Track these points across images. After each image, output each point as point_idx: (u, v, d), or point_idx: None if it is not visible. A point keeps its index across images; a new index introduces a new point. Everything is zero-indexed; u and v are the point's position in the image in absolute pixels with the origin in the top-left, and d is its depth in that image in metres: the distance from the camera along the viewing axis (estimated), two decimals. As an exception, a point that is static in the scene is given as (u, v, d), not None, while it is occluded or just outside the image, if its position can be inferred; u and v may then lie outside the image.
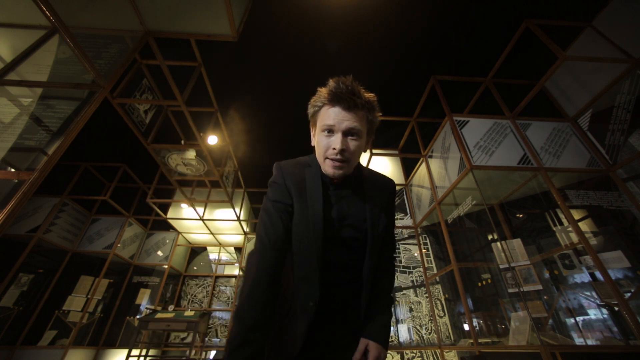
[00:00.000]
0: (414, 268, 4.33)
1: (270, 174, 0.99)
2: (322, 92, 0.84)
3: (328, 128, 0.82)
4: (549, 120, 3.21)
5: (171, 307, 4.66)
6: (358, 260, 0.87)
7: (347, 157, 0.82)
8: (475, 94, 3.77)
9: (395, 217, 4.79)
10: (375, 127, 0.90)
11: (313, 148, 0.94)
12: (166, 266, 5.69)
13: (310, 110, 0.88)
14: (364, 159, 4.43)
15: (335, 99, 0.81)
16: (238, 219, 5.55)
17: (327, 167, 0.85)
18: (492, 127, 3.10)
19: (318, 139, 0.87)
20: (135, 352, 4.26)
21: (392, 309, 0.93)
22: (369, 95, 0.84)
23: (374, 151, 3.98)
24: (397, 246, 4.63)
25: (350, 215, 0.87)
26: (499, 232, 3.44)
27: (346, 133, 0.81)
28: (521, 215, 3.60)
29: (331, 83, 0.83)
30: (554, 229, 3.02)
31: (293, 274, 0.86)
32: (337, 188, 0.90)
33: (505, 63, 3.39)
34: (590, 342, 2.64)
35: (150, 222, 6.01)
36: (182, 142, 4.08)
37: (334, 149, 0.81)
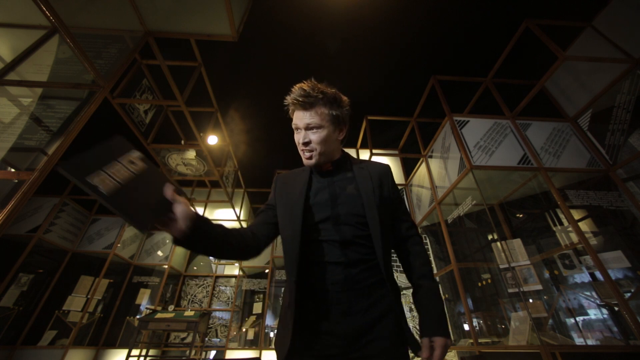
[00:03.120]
0: (414, 268, 4.32)
1: (270, 174, 1.05)
2: (287, 100, 0.99)
3: (295, 127, 0.99)
4: (549, 120, 3.20)
5: (171, 307, 4.66)
6: (365, 236, 0.89)
7: (312, 147, 0.96)
8: (475, 94, 3.77)
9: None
10: (343, 116, 1.01)
11: None
12: (166, 266, 5.69)
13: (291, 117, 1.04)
14: (363, 158, 4.42)
15: (295, 104, 0.96)
16: (238, 219, 5.55)
17: (303, 159, 1.00)
18: (492, 127, 3.10)
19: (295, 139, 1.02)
20: (135, 352, 4.26)
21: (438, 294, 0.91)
22: (329, 91, 0.97)
23: (374, 151, 3.98)
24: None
25: (343, 194, 0.96)
26: (499, 232, 3.43)
27: (307, 128, 0.95)
28: (521, 215, 3.60)
29: (292, 90, 0.97)
30: (554, 229, 3.02)
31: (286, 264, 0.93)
32: (328, 175, 1.01)
33: (505, 63, 3.38)
34: (590, 342, 2.64)
35: (150, 222, 6.00)
36: (182, 142, 4.08)
37: (300, 143, 0.97)
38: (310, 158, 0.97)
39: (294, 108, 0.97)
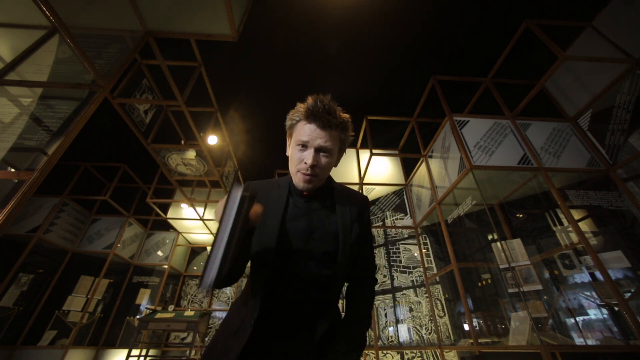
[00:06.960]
0: (414, 268, 4.33)
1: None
2: (301, 107, 0.88)
3: (302, 143, 0.85)
4: (549, 120, 3.21)
5: (171, 307, 4.66)
6: (330, 276, 0.85)
7: (317, 172, 0.86)
8: (475, 94, 3.77)
9: (395, 217, 4.79)
10: (346, 145, 0.94)
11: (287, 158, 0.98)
12: (166, 266, 5.69)
13: (288, 123, 0.92)
14: (364, 159, 4.42)
15: (311, 117, 0.84)
16: (238, 219, 5.52)
17: (298, 180, 0.88)
18: (492, 127, 3.10)
19: (292, 152, 0.90)
20: (135, 352, 4.25)
21: (363, 345, 0.89)
22: (345, 116, 0.89)
23: (374, 151, 3.98)
24: (397, 246, 4.63)
25: (321, 228, 0.87)
26: (499, 232, 3.43)
27: (318, 150, 0.85)
28: (521, 215, 3.60)
29: (310, 100, 0.86)
30: (554, 229, 3.02)
31: (250, 288, 0.87)
32: (308, 200, 0.92)
33: (505, 63, 3.38)
34: (590, 342, 2.64)
35: (150, 222, 6.01)
36: (182, 142, 4.08)
37: (306, 163, 0.84)
38: (309, 182, 0.86)
39: (308, 121, 0.85)
